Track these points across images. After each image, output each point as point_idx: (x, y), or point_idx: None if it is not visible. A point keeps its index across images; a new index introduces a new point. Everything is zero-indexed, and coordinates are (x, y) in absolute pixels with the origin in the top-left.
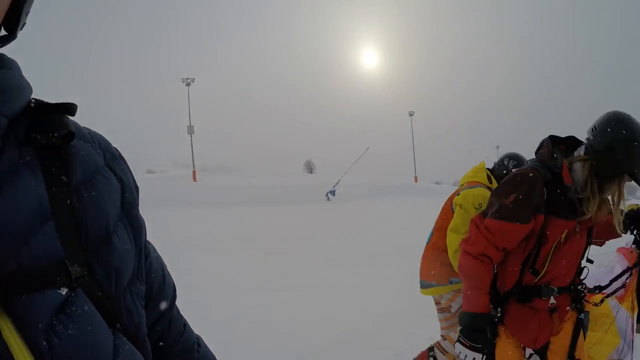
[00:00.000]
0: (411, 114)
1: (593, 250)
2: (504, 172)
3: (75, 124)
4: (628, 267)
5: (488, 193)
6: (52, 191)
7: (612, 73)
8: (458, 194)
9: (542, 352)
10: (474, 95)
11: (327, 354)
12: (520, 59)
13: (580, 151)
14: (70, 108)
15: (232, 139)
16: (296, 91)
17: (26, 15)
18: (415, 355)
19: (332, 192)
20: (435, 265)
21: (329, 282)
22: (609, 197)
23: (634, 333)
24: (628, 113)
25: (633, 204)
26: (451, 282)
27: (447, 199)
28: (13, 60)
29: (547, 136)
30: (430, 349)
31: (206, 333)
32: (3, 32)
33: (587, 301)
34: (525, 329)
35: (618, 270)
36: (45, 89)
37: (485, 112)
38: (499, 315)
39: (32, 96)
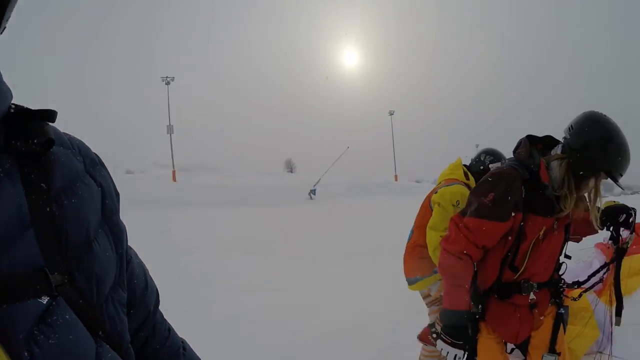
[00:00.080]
0: (391, 113)
1: (572, 247)
2: (481, 168)
3: (55, 130)
4: (605, 262)
5: (465, 190)
6: (31, 199)
7: (594, 74)
8: (436, 192)
9: (523, 346)
10: (454, 94)
11: (313, 352)
12: (500, 58)
13: (558, 150)
14: (50, 114)
15: (212, 138)
16: (277, 90)
17: (6, 20)
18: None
19: (313, 192)
20: (417, 260)
21: (311, 281)
22: (586, 195)
23: (613, 326)
24: (605, 114)
25: (610, 201)
26: (435, 272)
27: (425, 197)
28: None
29: (524, 135)
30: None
31: (190, 334)
32: None
33: (566, 296)
34: (506, 324)
35: (596, 266)
36: (22, 90)
37: (465, 111)
38: (480, 311)
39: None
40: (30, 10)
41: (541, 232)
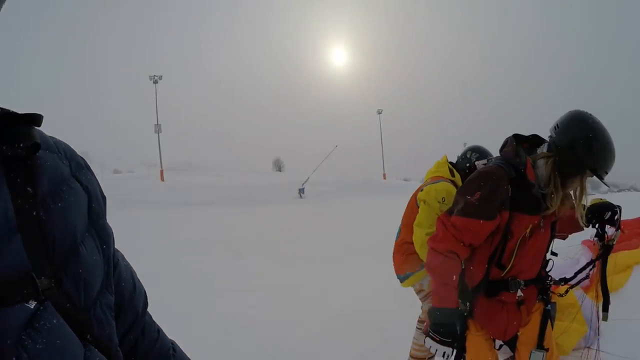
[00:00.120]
0: (379, 112)
1: (559, 244)
2: (467, 165)
3: (41, 133)
4: (592, 259)
5: (451, 186)
6: (17, 203)
7: (582, 74)
8: (422, 190)
9: (511, 343)
10: (441, 93)
11: (303, 351)
12: (488, 58)
13: (544, 148)
14: (36, 118)
15: (200, 136)
16: (265, 89)
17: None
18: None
19: (302, 190)
20: (406, 257)
21: (301, 280)
22: (572, 192)
23: (600, 321)
24: (590, 113)
25: (597, 199)
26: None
27: (412, 195)
28: None
29: (511, 134)
30: None
31: (178, 334)
32: None
33: (553, 292)
34: (494, 321)
35: (583, 262)
36: (9, 90)
37: (453, 110)
38: (468, 309)
39: None
40: (17, 10)
41: (528, 230)
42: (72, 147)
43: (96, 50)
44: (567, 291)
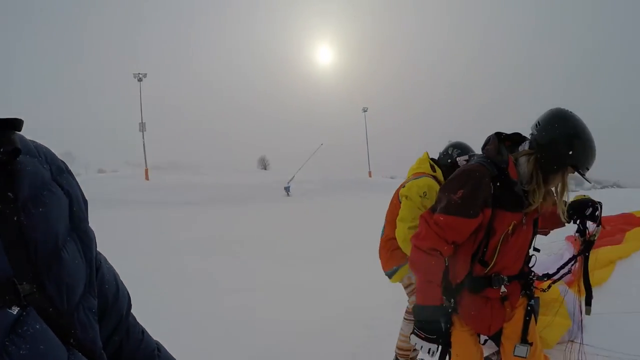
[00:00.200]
0: (365, 110)
1: (544, 239)
2: (449, 161)
3: (22, 138)
4: (574, 254)
5: (432, 181)
6: None
7: (570, 75)
8: (404, 187)
9: (496, 337)
10: (427, 92)
11: (291, 349)
12: (474, 58)
13: (525, 146)
14: (17, 123)
15: (185, 135)
16: (251, 87)
17: None
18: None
19: (287, 188)
20: (391, 253)
21: (288, 279)
22: (553, 189)
23: (582, 315)
24: (572, 111)
25: (580, 195)
26: None
27: (394, 192)
28: None
29: (493, 133)
30: None
31: (165, 334)
32: None
33: (536, 288)
34: (479, 317)
35: (567, 258)
36: None
37: (438, 108)
38: (452, 305)
39: None
40: None
41: (510, 227)
42: (55, 147)
43: (78, 48)
44: (549, 286)
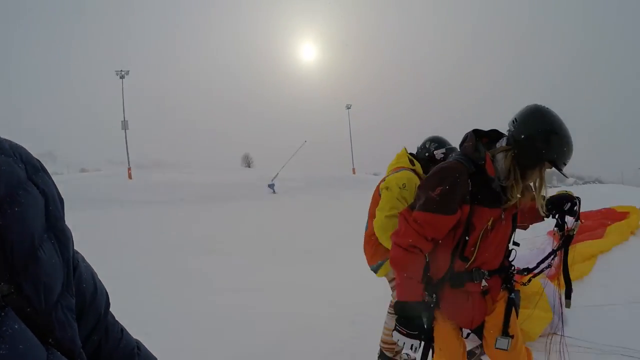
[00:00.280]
0: (348, 107)
1: (527, 234)
2: (427, 154)
3: None
4: (553, 249)
5: (411, 174)
6: None
7: (554, 75)
8: (384, 181)
9: (478, 331)
10: (411, 90)
11: (277, 346)
12: (459, 58)
13: (503, 142)
14: None
15: (168, 133)
16: (235, 85)
17: None
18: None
19: (271, 186)
20: (375, 247)
21: (273, 277)
22: (532, 184)
23: (563, 307)
24: (547, 107)
25: (562, 191)
26: None
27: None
28: None
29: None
30: None
31: (150, 334)
32: None
33: (517, 281)
34: (461, 311)
35: (548, 252)
36: None
37: (422, 106)
38: (434, 300)
39: None
40: None
41: (489, 223)
42: (36, 146)
43: (60, 45)
44: (529, 280)
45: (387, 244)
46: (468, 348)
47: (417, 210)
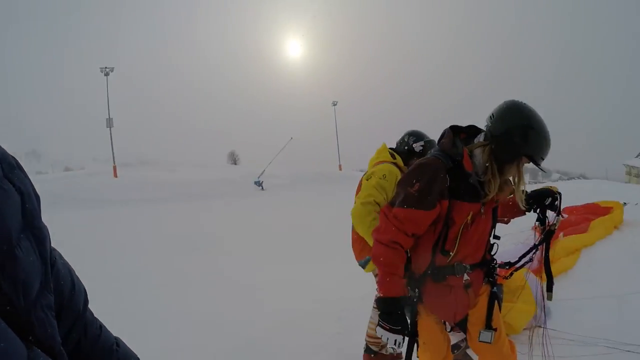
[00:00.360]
0: (334, 104)
1: (511, 229)
2: (406, 148)
3: None
4: (534, 243)
5: (392, 166)
6: None
7: (543, 73)
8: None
9: (462, 324)
10: (397, 87)
11: (266, 342)
12: (446, 56)
13: (480, 138)
14: None
15: (153, 130)
16: (220, 81)
17: None
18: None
19: (257, 183)
20: (362, 243)
21: (259, 274)
22: (511, 178)
23: (545, 300)
24: (525, 102)
25: (547, 186)
26: None
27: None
28: None
29: (448, 126)
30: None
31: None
32: None
33: (499, 275)
34: (443, 305)
35: None
36: None
37: (408, 103)
38: (417, 295)
39: None
40: None
41: (469, 217)
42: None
43: (42, 41)
44: (511, 274)
45: (360, 230)
46: (453, 342)
47: (396, 206)
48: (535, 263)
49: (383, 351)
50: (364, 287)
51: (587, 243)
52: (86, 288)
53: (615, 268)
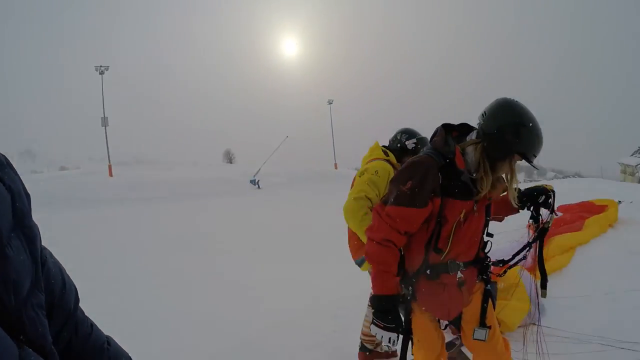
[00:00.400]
0: (330, 102)
1: (506, 227)
2: (398, 145)
3: None
4: (528, 241)
5: (385, 163)
6: None
7: (539, 73)
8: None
9: (456, 322)
10: (393, 86)
11: (263, 340)
12: (442, 56)
13: (472, 135)
14: None
15: (148, 129)
16: (216, 80)
17: None
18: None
19: (253, 181)
20: (358, 242)
21: (255, 273)
22: (503, 176)
23: (539, 297)
24: (517, 100)
25: (543, 184)
26: None
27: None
28: None
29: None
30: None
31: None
32: None
33: (493, 273)
34: (437, 303)
35: None
36: None
37: (403, 102)
38: (411, 293)
39: None
40: None
41: (462, 215)
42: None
43: (37, 39)
44: (505, 271)
45: (352, 225)
46: (447, 339)
47: (389, 204)
48: (529, 261)
49: (378, 349)
50: (360, 285)
51: (581, 241)
52: (83, 288)
53: (610, 266)
